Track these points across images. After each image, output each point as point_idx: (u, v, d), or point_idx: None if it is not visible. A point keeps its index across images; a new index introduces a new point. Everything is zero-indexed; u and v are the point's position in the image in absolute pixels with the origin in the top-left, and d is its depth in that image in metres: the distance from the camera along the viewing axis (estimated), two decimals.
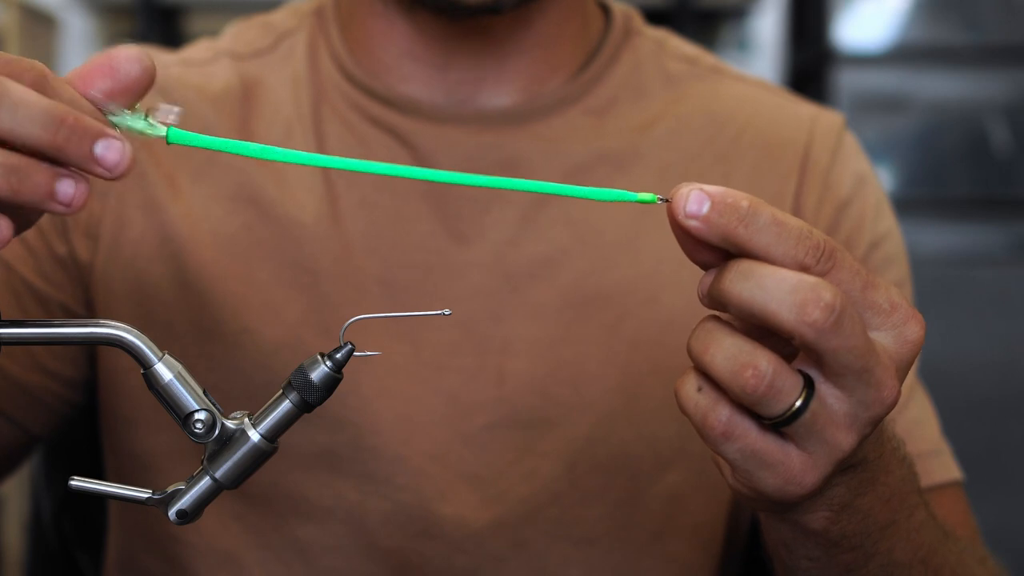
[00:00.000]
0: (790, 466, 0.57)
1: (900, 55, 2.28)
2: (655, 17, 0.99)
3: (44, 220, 0.88)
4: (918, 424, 0.90)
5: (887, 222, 0.93)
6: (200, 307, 0.87)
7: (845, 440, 0.57)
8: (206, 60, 0.94)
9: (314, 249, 0.87)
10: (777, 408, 0.55)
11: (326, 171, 0.89)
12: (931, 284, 2.09)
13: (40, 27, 2.64)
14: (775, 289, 0.54)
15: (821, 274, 0.54)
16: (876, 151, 2.25)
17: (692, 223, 0.55)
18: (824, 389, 0.56)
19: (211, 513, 0.84)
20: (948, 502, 0.89)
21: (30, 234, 0.88)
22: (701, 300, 0.58)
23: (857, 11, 2.32)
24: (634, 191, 0.89)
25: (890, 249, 0.92)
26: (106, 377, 0.91)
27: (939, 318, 2.11)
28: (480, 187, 0.87)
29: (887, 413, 0.57)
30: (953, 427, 1.02)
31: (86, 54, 2.80)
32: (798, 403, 0.55)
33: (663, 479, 0.87)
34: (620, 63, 0.93)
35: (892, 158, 2.27)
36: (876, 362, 0.55)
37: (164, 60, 0.95)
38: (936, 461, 0.89)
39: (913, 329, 0.57)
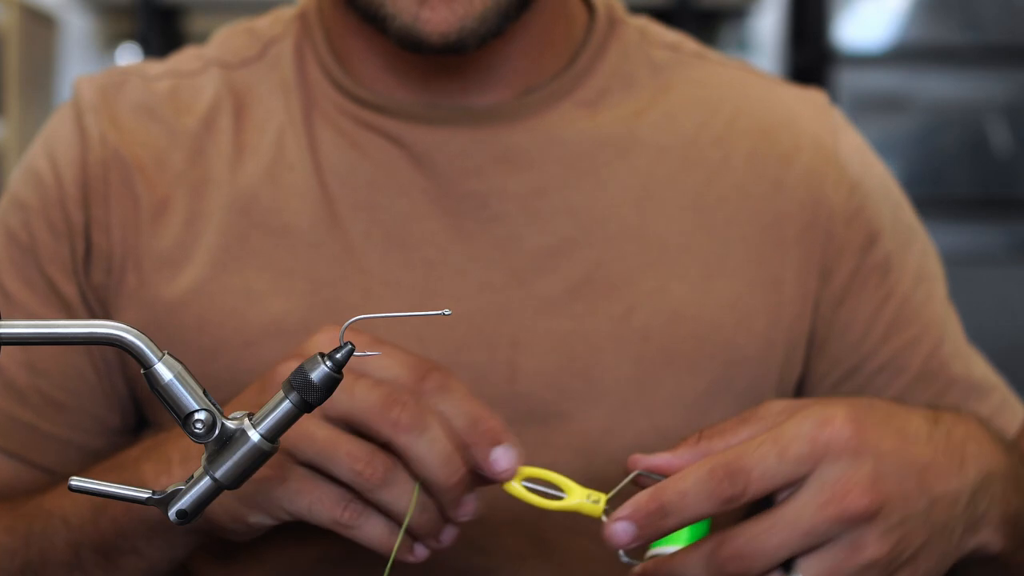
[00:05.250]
0: None
1: (900, 55, 2.28)
2: (655, 17, 0.99)
3: (48, 258, 0.90)
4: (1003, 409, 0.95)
5: (896, 189, 0.97)
6: (199, 326, 0.86)
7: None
8: (196, 71, 0.94)
9: (311, 256, 0.87)
10: None
11: (321, 175, 0.89)
12: None
13: (40, 27, 2.64)
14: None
15: (738, 498, 0.66)
16: (876, 151, 2.25)
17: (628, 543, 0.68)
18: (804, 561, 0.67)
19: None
20: None
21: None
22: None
23: (857, 11, 2.32)
24: (635, 176, 0.90)
25: (908, 215, 0.96)
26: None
27: None
28: (478, 181, 0.88)
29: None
30: None
31: (86, 54, 2.81)
32: None
33: None
34: (608, 54, 0.93)
35: (892, 158, 2.27)
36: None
37: (154, 72, 0.95)
38: None
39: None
